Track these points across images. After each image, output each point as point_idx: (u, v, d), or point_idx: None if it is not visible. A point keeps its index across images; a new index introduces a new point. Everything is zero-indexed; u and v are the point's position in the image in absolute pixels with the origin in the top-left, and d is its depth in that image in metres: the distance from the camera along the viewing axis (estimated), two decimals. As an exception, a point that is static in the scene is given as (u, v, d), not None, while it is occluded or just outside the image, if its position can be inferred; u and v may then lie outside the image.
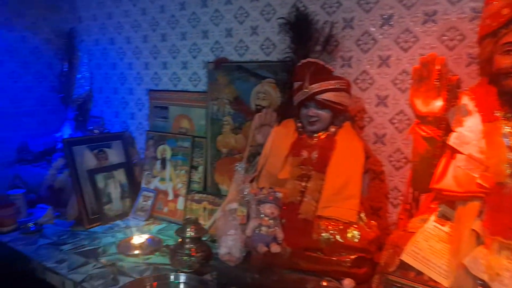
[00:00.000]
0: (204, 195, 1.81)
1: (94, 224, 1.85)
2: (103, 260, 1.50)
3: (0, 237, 1.72)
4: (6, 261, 1.63)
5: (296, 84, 1.37)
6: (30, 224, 1.82)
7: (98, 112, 2.45)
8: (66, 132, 2.33)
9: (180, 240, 1.37)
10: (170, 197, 1.93)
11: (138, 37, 2.16)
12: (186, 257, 1.32)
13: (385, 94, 1.46)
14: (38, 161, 2.24)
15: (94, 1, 2.32)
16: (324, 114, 1.33)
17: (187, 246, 1.35)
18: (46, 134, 2.34)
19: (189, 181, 1.91)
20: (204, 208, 1.76)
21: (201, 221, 1.64)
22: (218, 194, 1.82)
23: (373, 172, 1.48)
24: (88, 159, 1.94)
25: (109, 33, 2.29)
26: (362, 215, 1.21)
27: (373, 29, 1.45)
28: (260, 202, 1.25)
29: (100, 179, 1.95)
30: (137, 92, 2.24)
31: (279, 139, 1.40)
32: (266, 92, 1.69)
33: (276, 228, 1.22)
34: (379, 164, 1.49)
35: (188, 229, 1.36)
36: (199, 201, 1.81)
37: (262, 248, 1.18)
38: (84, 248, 1.62)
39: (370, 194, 1.42)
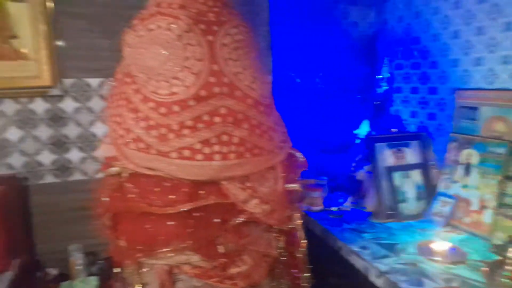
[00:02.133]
0: (524, 213, 1.52)
1: (389, 220, 1.91)
2: (404, 257, 1.53)
3: (312, 214, 2.06)
4: (319, 235, 1.93)
5: None
6: (334, 208, 2.09)
7: (395, 112, 2.51)
8: (364, 129, 2.51)
9: (500, 259, 1.20)
10: (474, 207, 1.74)
11: (447, 34, 2.04)
12: (508, 280, 1.15)
13: None
14: (339, 153, 2.53)
15: (401, 2, 2.37)
16: None
17: (509, 268, 1.17)
18: (347, 129, 2.60)
19: (501, 193, 1.66)
20: (525, 229, 1.49)
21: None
22: (545, 214, 1.50)
23: None
24: (386, 156, 2.03)
25: (414, 32, 2.29)
26: None
27: None
28: None
29: (397, 177, 2.00)
30: (441, 91, 2.13)
31: None
32: None
33: None
34: None
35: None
36: (515, 219, 1.54)
37: None
38: (382, 240, 1.70)
39: None
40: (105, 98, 2.07)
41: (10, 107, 1.94)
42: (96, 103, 2.07)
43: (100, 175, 2.10)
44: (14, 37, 1.86)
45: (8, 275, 1.70)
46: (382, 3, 2.54)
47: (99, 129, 2.09)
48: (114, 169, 1.43)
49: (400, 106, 2.47)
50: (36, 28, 1.88)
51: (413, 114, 2.36)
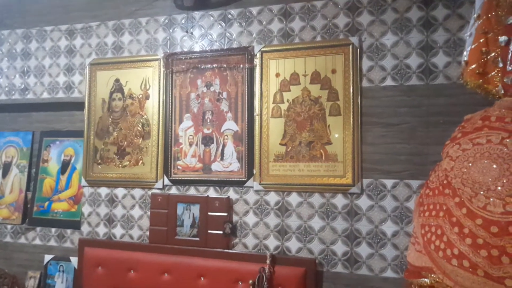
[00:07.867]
0: None
1: None
2: None
3: None
4: None
5: None
6: None
7: None
8: None
9: None
10: None
11: None
12: None
13: None
14: None
15: None
16: None
17: None
18: None
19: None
20: None
21: None
22: None
23: None
24: None
25: None
26: None
27: None
28: None
29: None
30: None
31: None
32: None
33: None
34: None
35: None
36: None
37: None
38: None
39: None
40: (399, 199, 2.14)
41: (317, 200, 2.29)
42: (388, 203, 2.16)
43: (385, 275, 2.13)
44: (329, 143, 2.25)
45: None
46: None
47: (389, 228, 2.15)
48: (425, 280, 1.41)
49: None
50: (346, 136, 2.22)
51: None
